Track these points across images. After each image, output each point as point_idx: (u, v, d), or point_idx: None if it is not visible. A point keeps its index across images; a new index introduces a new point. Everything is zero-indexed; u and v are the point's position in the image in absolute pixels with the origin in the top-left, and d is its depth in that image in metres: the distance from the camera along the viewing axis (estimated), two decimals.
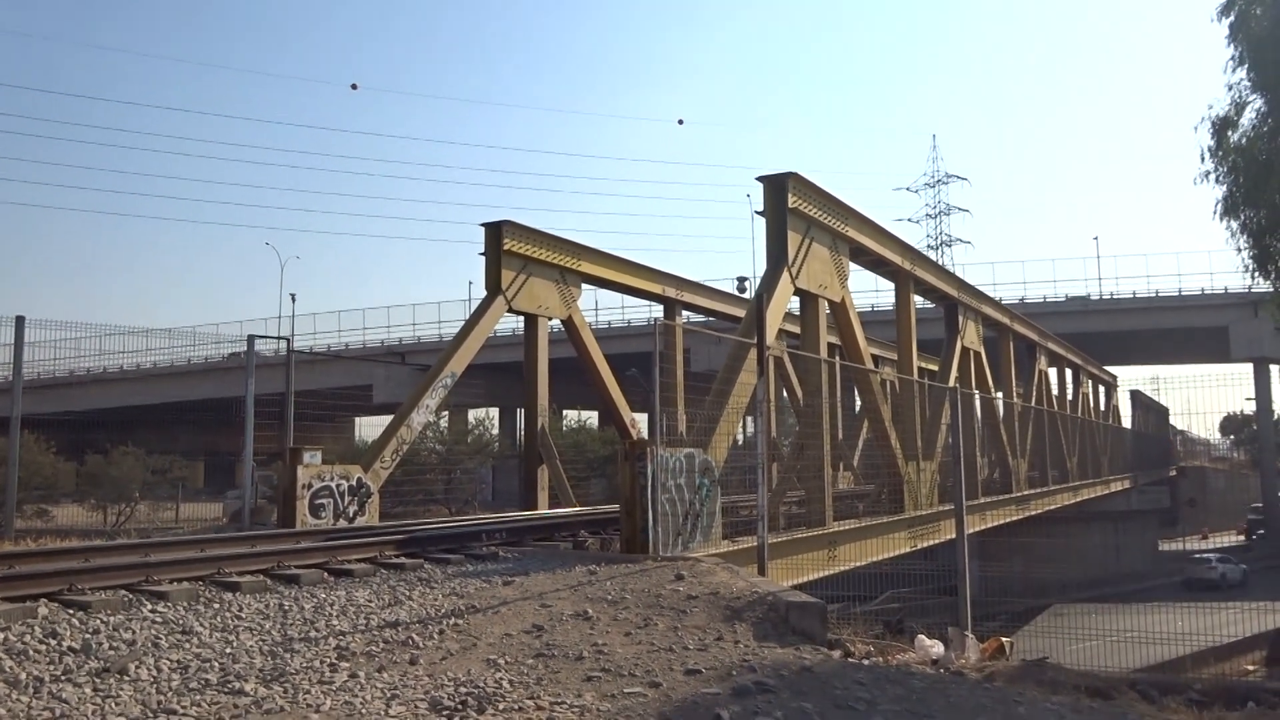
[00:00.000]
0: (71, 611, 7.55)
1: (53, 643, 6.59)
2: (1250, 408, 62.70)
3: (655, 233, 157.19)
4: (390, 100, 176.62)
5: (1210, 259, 67.46)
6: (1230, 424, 75.74)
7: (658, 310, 28.15)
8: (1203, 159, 14.39)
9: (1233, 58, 13.72)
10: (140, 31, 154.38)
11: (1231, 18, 13.55)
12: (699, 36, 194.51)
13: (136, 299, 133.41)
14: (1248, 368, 53.86)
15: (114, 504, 25.15)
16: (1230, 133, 14.03)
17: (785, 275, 15.72)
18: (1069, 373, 43.75)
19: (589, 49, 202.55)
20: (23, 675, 5.83)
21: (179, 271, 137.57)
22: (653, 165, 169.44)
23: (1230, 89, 14.02)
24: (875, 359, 26.67)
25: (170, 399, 55.87)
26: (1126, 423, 54.36)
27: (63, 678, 5.85)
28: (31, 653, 6.33)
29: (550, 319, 21.53)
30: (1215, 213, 14.38)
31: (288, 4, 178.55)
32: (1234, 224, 14.25)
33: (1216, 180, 14.26)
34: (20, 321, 15.99)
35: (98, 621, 7.25)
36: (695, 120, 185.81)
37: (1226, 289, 51.25)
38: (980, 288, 30.04)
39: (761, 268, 16.84)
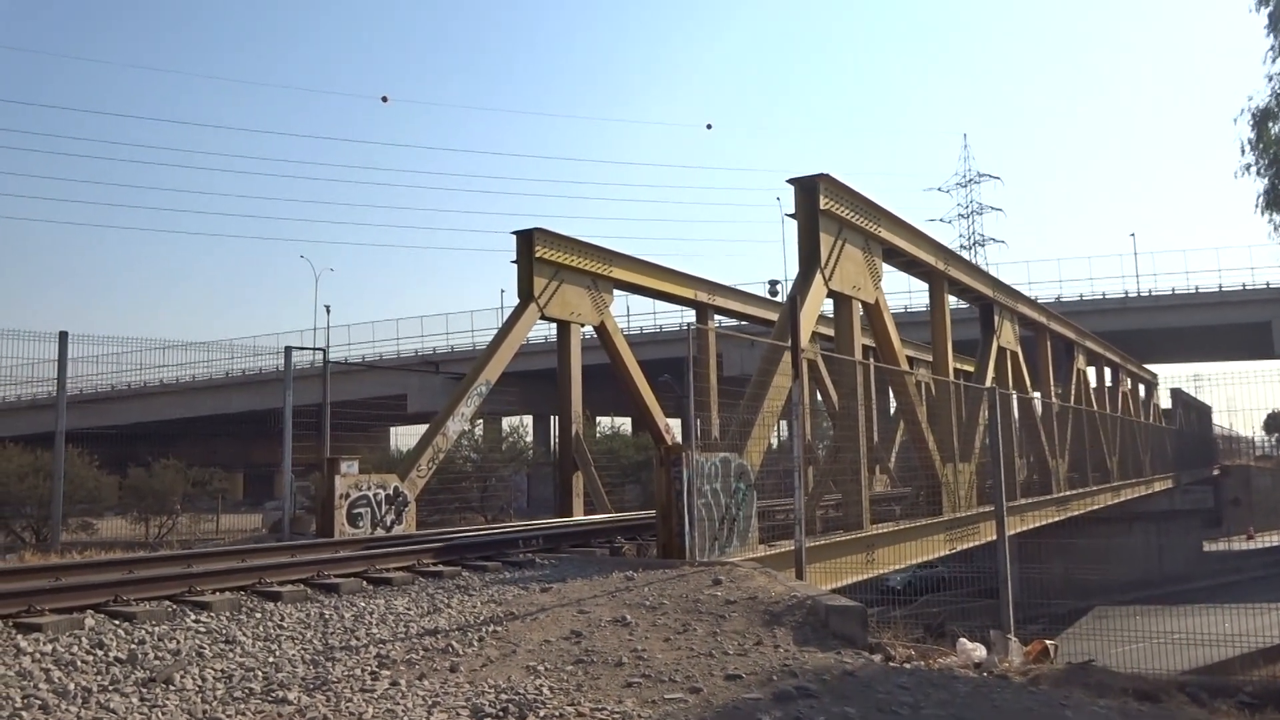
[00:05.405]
0: (117, 622, 7.65)
1: (100, 653, 6.69)
2: None
3: (686, 237, 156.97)
4: (421, 112, 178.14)
5: (1251, 254, 66.25)
6: (1275, 421, 74.17)
7: (690, 315, 28.13)
8: (1243, 152, 14.20)
9: (1272, 48, 13.55)
10: (175, 48, 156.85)
11: (1270, 7, 13.40)
12: (725, 40, 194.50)
13: (175, 313, 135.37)
14: None
15: (156, 516, 25.47)
16: (1271, 124, 13.84)
17: (818, 277, 15.63)
18: (1108, 371, 43.10)
19: (617, 55, 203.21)
20: (71, 686, 5.91)
21: (216, 285, 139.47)
22: (683, 170, 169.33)
23: (1270, 80, 13.85)
24: (910, 360, 26.46)
25: (210, 412, 56.53)
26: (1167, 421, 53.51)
27: (110, 688, 5.92)
28: (79, 663, 6.43)
29: (583, 325, 21.57)
30: (1257, 207, 14.20)
31: (320, 19, 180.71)
32: (1276, 218, 14.06)
33: (1257, 173, 14.08)
34: (63, 337, 16.25)
35: (143, 632, 7.34)
36: (724, 124, 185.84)
37: (1269, 284, 50.31)
38: (1015, 287, 29.71)
39: (793, 270, 16.77)
